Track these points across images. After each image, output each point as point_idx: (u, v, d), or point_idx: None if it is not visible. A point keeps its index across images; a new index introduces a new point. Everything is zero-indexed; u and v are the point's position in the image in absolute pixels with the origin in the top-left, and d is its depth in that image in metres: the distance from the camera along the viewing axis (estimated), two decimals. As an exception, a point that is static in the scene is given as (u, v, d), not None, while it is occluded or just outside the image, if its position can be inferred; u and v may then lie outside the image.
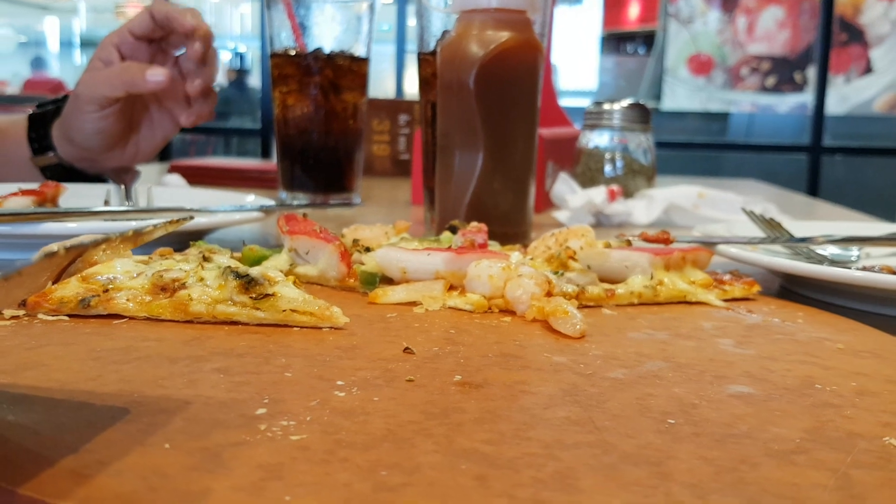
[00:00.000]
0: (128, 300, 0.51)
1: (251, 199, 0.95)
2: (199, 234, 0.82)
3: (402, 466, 0.31)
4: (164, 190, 1.04)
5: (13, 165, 1.07)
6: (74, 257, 0.39)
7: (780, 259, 0.70)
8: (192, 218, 0.43)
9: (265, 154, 3.99)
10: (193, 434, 0.33)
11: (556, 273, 0.61)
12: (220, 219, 0.79)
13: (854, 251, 0.81)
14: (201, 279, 0.52)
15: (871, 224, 1.04)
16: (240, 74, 5.75)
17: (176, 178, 1.34)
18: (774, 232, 0.80)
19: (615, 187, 1.20)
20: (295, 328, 0.50)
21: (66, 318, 0.50)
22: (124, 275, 0.54)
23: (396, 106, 1.74)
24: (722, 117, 5.03)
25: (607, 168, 1.35)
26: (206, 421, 0.35)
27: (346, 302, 0.57)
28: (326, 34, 1.18)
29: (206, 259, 0.56)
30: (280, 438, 0.33)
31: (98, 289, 0.52)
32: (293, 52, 1.16)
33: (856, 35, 4.52)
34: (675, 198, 1.21)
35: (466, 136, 0.84)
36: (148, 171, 1.38)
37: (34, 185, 0.85)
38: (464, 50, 0.83)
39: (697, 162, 4.58)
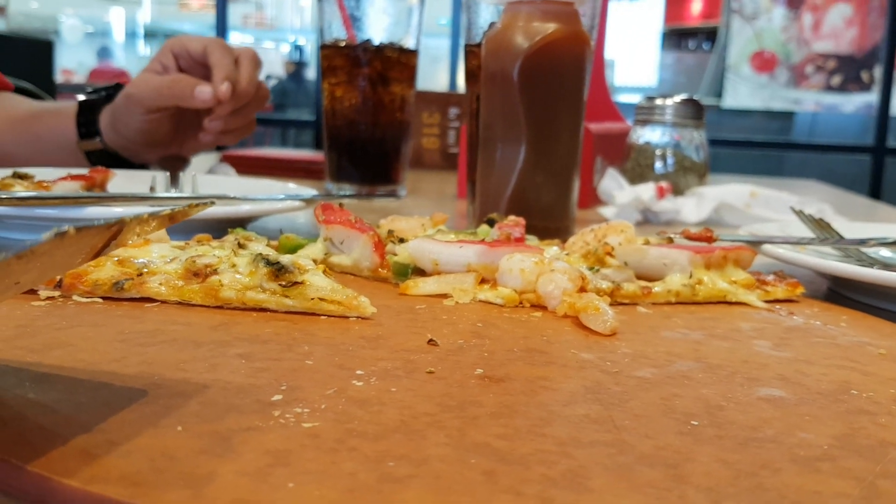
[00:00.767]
0: (160, 284, 0.52)
1: (293, 188, 0.95)
2: (241, 222, 0.83)
3: (411, 458, 0.30)
4: (211, 178, 1.05)
5: (63, 150, 1.10)
6: (109, 239, 0.39)
7: (827, 261, 0.67)
8: (212, 203, 0.43)
9: (319, 145, 4.02)
10: (207, 418, 0.33)
11: (591, 269, 0.60)
12: (260, 207, 0.79)
13: (908, 255, 0.78)
14: (233, 265, 0.53)
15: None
16: (297, 67, 5.81)
17: (226, 168, 1.36)
18: (824, 233, 0.78)
19: (664, 184, 1.18)
20: (322, 317, 0.50)
21: (100, 300, 0.51)
22: (160, 259, 0.54)
23: (447, 99, 1.74)
24: (785, 116, 4.92)
25: (658, 164, 1.32)
26: (221, 405, 0.35)
27: (377, 292, 0.57)
28: (377, 26, 1.18)
29: (240, 246, 0.57)
30: (292, 425, 0.33)
31: (133, 272, 0.53)
32: (342, 44, 1.16)
33: (927, 33, 4.37)
34: (726, 196, 1.18)
35: (509, 128, 0.83)
36: (200, 161, 1.40)
37: (83, 171, 0.86)
38: (509, 41, 0.82)
39: (757, 161, 4.49)
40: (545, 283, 0.55)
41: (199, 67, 1.03)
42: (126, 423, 0.32)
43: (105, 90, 1.13)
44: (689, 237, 0.70)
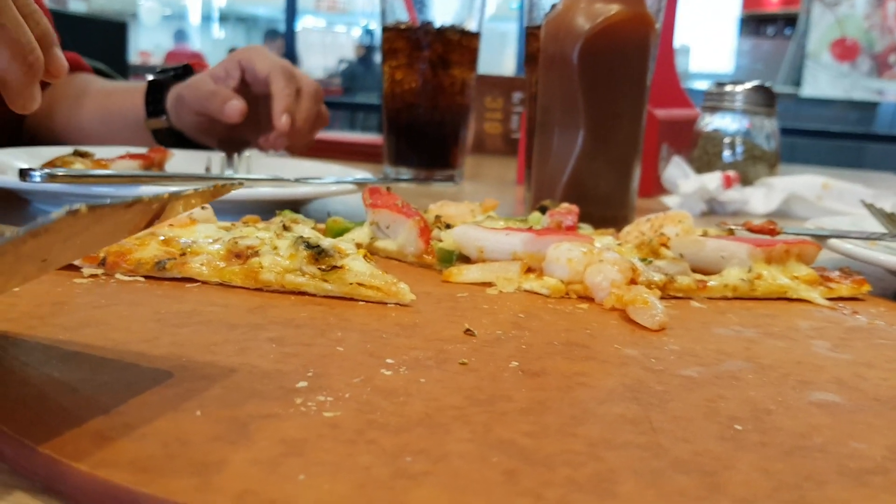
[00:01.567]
0: (202, 265, 0.51)
1: (347, 171, 0.95)
2: (293, 205, 0.82)
3: (430, 453, 0.29)
4: (266, 160, 1.05)
5: (132, 129, 1.11)
6: (152, 218, 0.39)
7: (899, 258, 0.63)
8: (241, 185, 0.43)
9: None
10: (228, 403, 0.32)
11: (644, 260, 0.58)
12: (310, 189, 0.79)
13: None
14: (275, 248, 0.52)
15: None
16: (367, 51, 5.83)
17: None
18: (898, 228, 0.74)
19: (732, 174, 1.14)
20: (360, 302, 0.49)
21: (142, 279, 0.51)
22: (204, 239, 0.54)
23: (510, 83, 1.71)
24: (866, 106, 4.73)
25: (726, 153, 1.28)
26: (244, 390, 0.34)
27: (420, 278, 0.56)
28: (440, 8, 1.16)
29: (285, 228, 0.56)
30: (313, 413, 0.32)
31: (176, 252, 0.53)
32: (403, 26, 1.15)
33: None
34: (796, 187, 1.13)
35: (567, 113, 0.81)
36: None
37: (142, 150, 0.87)
38: (569, 22, 0.80)
39: (837, 152, 4.34)
40: (593, 273, 0.53)
41: (262, 85, 1.03)
42: (146, 406, 0.32)
43: (174, 70, 1.14)
44: (752, 229, 0.67)
